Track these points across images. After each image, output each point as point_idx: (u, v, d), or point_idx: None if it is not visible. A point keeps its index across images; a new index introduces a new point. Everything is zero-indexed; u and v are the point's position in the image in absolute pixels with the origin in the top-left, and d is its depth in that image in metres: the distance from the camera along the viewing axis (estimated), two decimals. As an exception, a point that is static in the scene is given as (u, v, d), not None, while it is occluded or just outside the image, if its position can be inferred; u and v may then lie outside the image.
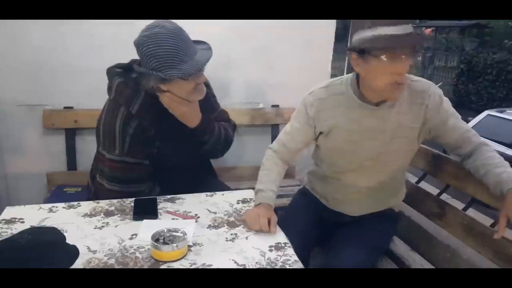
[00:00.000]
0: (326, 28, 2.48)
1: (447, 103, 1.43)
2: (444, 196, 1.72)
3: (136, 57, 1.46)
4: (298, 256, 1.19)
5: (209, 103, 1.71)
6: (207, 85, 1.63)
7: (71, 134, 2.23)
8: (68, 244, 1.06)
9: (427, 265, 1.62)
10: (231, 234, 1.29)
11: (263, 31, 2.36)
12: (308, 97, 1.51)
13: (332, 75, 1.58)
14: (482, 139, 1.45)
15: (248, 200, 1.52)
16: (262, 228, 1.29)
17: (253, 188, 1.54)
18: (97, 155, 1.58)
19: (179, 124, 1.59)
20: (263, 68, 2.46)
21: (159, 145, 1.55)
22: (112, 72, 1.53)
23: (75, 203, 1.44)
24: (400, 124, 1.42)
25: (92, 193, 1.61)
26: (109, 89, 1.52)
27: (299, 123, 1.53)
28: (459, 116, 1.43)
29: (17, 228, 1.24)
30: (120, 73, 1.51)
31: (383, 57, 1.24)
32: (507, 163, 1.31)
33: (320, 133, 1.51)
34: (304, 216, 1.64)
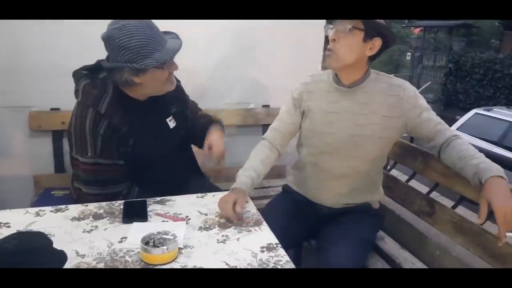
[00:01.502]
0: (316, 28, 2.47)
1: (422, 99, 1.53)
2: (434, 194, 1.74)
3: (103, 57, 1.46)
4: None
5: (182, 94, 1.75)
6: (176, 78, 1.65)
7: (58, 136, 2.19)
8: (56, 249, 1.04)
9: (417, 263, 1.63)
10: (223, 235, 1.28)
11: (254, 31, 2.35)
12: (295, 85, 1.67)
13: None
14: (456, 132, 1.52)
15: (239, 201, 1.51)
16: (228, 215, 1.36)
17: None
18: (71, 160, 1.56)
19: (152, 119, 1.58)
20: (254, 68, 2.46)
21: (133, 143, 1.53)
22: (78, 74, 1.51)
23: (63, 206, 1.42)
24: (374, 111, 1.51)
25: (74, 199, 1.59)
26: (76, 92, 1.51)
27: (287, 106, 1.67)
28: (434, 113, 1.52)
29: (3, 233, 1.22)
30: (86, 75, 1.50)
31: (324, 30, 1.50)
32: (482, 154, 1.37)
33: (303, 113, 1.63)
34: (284, 210, 1.67)
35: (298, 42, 2.47)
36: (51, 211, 1.39)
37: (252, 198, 1.57)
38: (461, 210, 1.60)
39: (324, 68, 1.55)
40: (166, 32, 1.50)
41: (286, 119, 1.65)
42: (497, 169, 1.28)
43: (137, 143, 1.55)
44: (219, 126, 1.74)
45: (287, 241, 1.32)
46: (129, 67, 1.39)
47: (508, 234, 1.19)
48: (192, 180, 1.81)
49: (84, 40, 2.06)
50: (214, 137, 1.66)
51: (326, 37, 2.41)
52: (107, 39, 1.39)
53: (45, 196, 2.02)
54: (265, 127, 2.50)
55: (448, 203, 1.65)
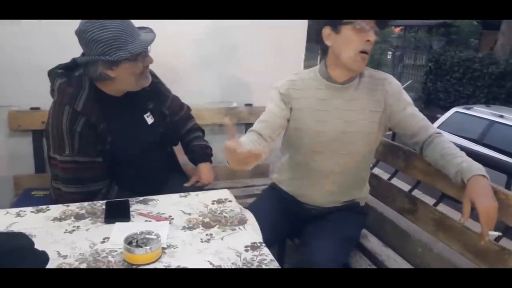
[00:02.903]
0: (298, 27, 2.49)
1: (406, 94, 1.54)
2: (416, 192, 1.76)
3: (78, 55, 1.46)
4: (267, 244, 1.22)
5: (159, 91, 1.74)
6: (153, 74, 1.65)
7: (38, 136, 2.15)
8: (37, 250, 1.02)
9: (400, 260, 1.65)
10: (206, 235, 1.27)
11: (235, 30, 2.35)
12: (279, 81, 1.60)
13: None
14: (438, 130, 1.54)
15: (223, 200, 1.51)
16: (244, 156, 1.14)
17: (228, 188, 1.55)
18: (49, 160, 1.55)
19: (129, 115, 1.58)
20: (236, 67, 2.45)
21: (111, 140, 1.53)
22: (53, 73, 1.51)
23: (44, 206, 1.40)
24: (363, 107, 1.51)
25: (54, 199, 1.57)
26: (52, 91, 1.50)
27: (274, 102, 1.57)
28: (417, 109, 1.54)
29: (-18, 234, 1.19)
30: (62, 74, 1.49)
31: (356, 24, 1.36)
32: (463, 153, 1.39)
33: (291, 111, 1.56)
34: (272, 207, 1.67)
35: (281, 41, 2.47)
36: (32, 211, 1.37)
37: (236, 197, 1.57)
38: (442, 208, 1.62)
39: (350, 70, 1.47)
40: (140, 28, 1.51)
41: (276, 112, 1.55)
42: (479, 169, 1.30)
43: (115, 140, 1.54)
44: (209, 161, 1.86)
45: (271, 238, 1.33)
46: (102, 60, 1.39)
47: (490, 232, 1.22)
48: (173, 178, 1.80)
49: (64, 39, 2.03)
50: (204, 173, 1.81)
51: (308, 36, 2.41)
52: (80, 33, 1.39)
53: (25, 197, 1.99)
54: (248, 126, 2.50)
55: (429, 201, 1.68)
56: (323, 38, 1.46)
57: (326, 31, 1.44)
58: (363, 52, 1.40)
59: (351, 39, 1.38)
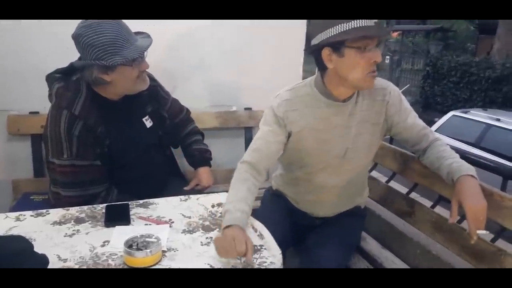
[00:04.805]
0: (297, 30, 2.50)
1: (406, 102, 1.50)
2: (413, 195, 1.77)
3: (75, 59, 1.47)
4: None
5: (158, 94, 1.75)
6: (151, 78, 1.66)
7: (37, 140, 2.15)
8: (37, 253, 1.03)
9: (398, 262, 1.66)
10: (206, 238, 1.28)
11: (234, 33, 2.35)
12: (274, 100, 1.48)
13: (304, 78, 1.60)
14: (437, 134, 1.55)
15: (223, 204, 1.51)
16: (240, 254, 1.14)
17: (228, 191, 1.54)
18: (48, 165, 1.56)
19: (127, 118, 1.59)
20: (235, 71, 2.46)
21: (109, 143, 1.54)
22: (51, 78, 1.52)
23: (44, 210, 1.40)
24: (363, 120, 1.46)
25: (52, 204, 1.58)
26: (50, 96, 1.52)
27: (269, 125, 1.46)
28: (416, 114, 1.51)
29: (-18, 238, 1.19)
30: (59, 78, 1.51)
31: (361, 47, 1.27)
32: (457, 155, 1.40)
33: (289, 134, 1.47)
34: (277, 213, 1.64)
35: (279, 45, 2.48)
36: (31, 215, 1.37)
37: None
38: (439, 210, 1.63)
39: (358, 89, 1.40)
40: (138, 32, 1.52)
41: (270, 138, 1.44)
42: (468, 169, 1.31)
43: (113, 143, 1.55)
44: (208, 166, 1.88)
45: (280, 244, 1.30)
46: (98, 64, 1.40)
47: (479, 231, 1.22)
48: (173, 182, 1.81)
49: (62, 42, 2.02)
50: (204, 177, 1.83)
51: (308, 42, 2.41)
52: (76, 37, 1.41)
53: (24, 201, 1.99)
54: (247, 129, 2.51)
55: (427, 203, 1.69)
56: (323, 60, 1.35)
57: (326, 52, 1.32)
58: (371, 71, 1.32)
59: (357, 62, 1.29)
